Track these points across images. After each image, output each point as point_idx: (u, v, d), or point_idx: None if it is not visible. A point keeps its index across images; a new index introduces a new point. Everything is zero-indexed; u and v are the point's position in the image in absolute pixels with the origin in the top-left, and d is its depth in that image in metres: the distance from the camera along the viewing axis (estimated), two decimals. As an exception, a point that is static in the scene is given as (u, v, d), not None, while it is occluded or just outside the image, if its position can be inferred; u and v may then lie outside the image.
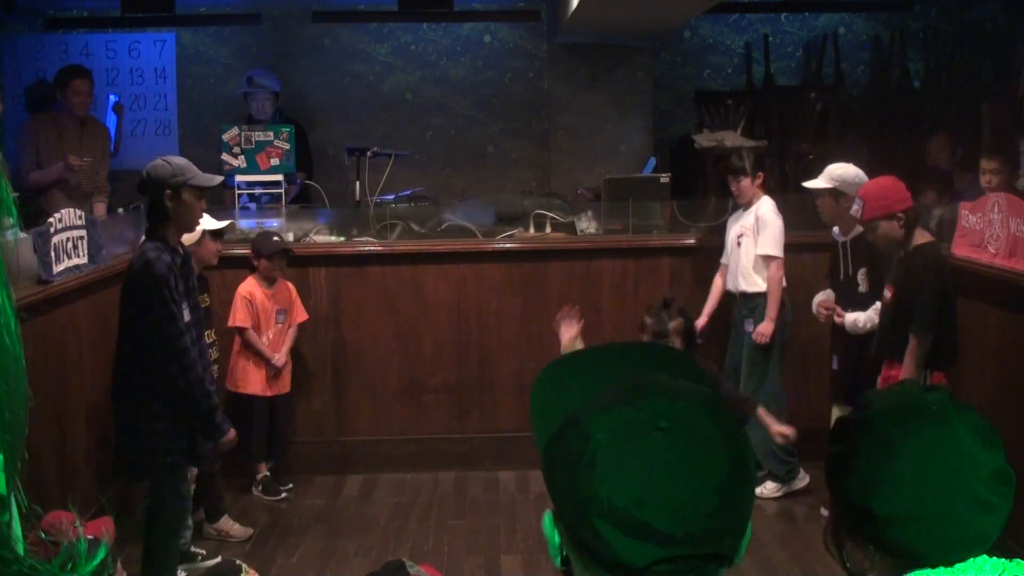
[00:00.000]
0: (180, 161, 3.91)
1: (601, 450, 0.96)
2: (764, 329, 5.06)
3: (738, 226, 5.24)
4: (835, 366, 4.92)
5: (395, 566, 3.68)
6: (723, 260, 5.41)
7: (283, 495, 5.39)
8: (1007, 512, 1.38)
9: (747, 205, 5.23)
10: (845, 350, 4.80)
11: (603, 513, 0.95)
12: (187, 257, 4.02)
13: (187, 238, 4.39)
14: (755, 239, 5.13)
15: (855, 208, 4.16)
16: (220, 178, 4.03)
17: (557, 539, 1.04)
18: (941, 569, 1.37)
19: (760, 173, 5.25)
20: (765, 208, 5.16)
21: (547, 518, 1.05)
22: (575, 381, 1.12)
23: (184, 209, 3.83)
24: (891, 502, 1.38)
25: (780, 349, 5.18)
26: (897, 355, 4.12)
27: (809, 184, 4.82)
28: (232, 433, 3.94)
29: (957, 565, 1.36)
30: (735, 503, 0.97)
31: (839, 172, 4.74)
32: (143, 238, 4.03)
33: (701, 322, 5.35)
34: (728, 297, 5.37)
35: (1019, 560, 1.36)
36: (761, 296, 5.14)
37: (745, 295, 5.18)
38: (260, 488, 5.40)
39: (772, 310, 5.07)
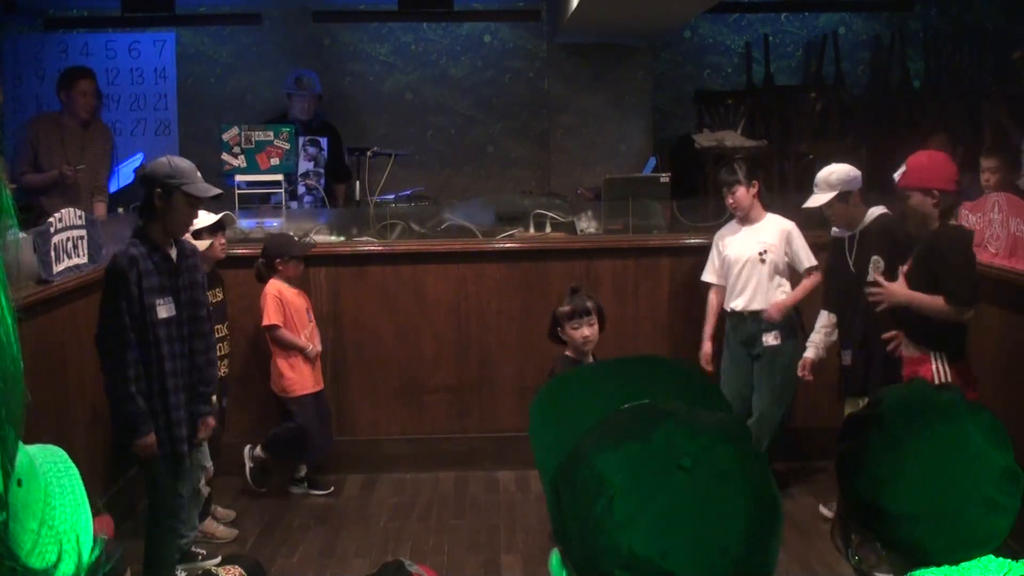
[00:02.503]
0: (183, 164, 3.83)
1: (619, 494, 0.89)
2: (781, 305, 5.05)
3: (752, 242, 5.11)
4: (846, 361, 4.79)
5: (394, 566, 3.68)
6: (715, 280, 5.28)
7: (331, 488, 5.46)
8: (1015, 512, 1.38)
9: (746, 219, 5.15)
10: (861, 344, 4.69)
11: (624, 563, 0.88)
12: (182, 255, 3.95)
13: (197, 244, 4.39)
14: (782, 253, 5.09)
15: (897, 172, 4.06)
16: (216, 191, 3.92)
17: None
18: (946, 568, 1.37)
19: (755, 181, 5.15)
20: (787, 223, 5.12)
21: (554, 558, 0.97)
22: (579, 403, 1.03)
23: (172, 212, 3.78)
24: (900, 500, 1.38)
25: (797, 358, 5.15)
26: (908, 331, 4.08)
27: (815, 203, 4.72)
28: (151, 439, 3.78)
29: (963, 564, 1.37)
30: (764, 545, 0.90)
31: (836, 177, 4.69)
32: None
33: (707, 348, 5.27)
34: (723, 317, 5.31)
35: None
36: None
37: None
38: (306, 485, 5.44)
39: (795, 297, 5.08)
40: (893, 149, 6.84)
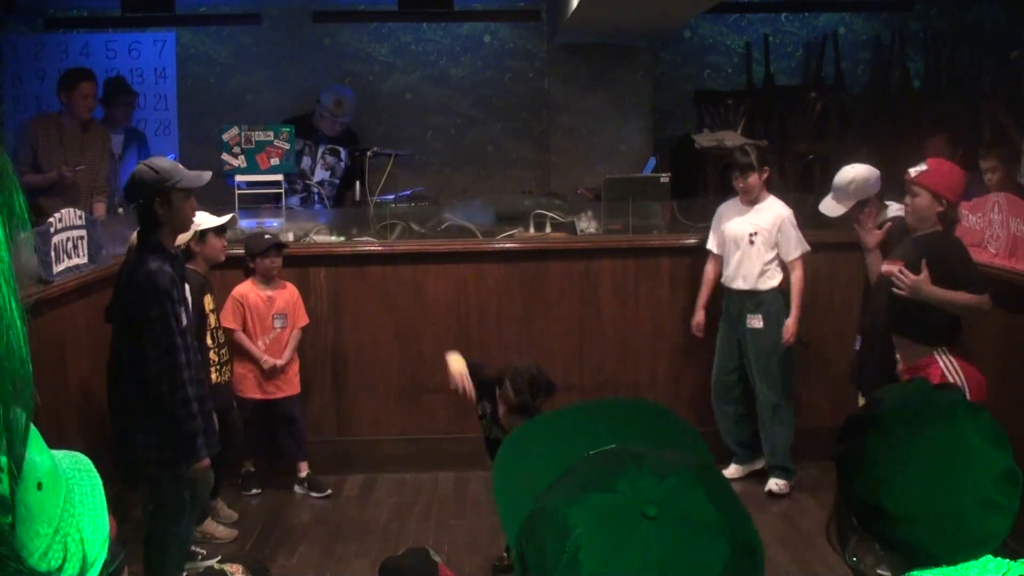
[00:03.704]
0: (165, 164, 3.86)
1: (584, 549, 0.83)
2: (792, 326, 5.11)
3: (746, 223, 5.21)
4: (857, 346, 4.76)
5: (421, 554, 3.68)
6: (713, 249, 5.40)
7: (328, 491, 5.43)
8: (1014, 513, 1.38)
9: (752, 201, 5.23)
10: (869, 332, 4.60)
11: None
12: (182, 260, 4.00)
13: (181, 237, 4.37)
14: (774, 239, 5.15)
15: (916, 168, 4.03)
16: (208, 175, 3.96)
17: None
18: (944, 568, 1.37)
19: (766, 168, 5.26)
20: (783, 209, 5.19)
21: None
22: (543, 455, 0.98)
23: (175, 212, 3.80)
24: (899, 500, 1.38)
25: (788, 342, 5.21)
26: (907, 330, 4.04)
27: (833, 212, 4.70)
28: (207, 462, 3.87)
29: (961, 564, 1.37)
30: None
31: (855, 186, 4.61)
32: (133, 239, 4.01)
33: (699, 317, 5.39)
34: (720, 291, 5.39)
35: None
36: (771, 292, 5.17)
37: (754, 292, 5.18)
38: (306, 485, 5.44)
39: (798, 308, 5.13)
40: (893, 149, 6.85)
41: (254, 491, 5.42)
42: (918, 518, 1.37)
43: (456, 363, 4.21)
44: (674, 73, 8.41)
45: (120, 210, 6.27)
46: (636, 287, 5.76)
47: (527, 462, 1.00)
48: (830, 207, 4.72)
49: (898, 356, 4.11)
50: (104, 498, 0.89)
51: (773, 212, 5.19)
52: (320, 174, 7.16)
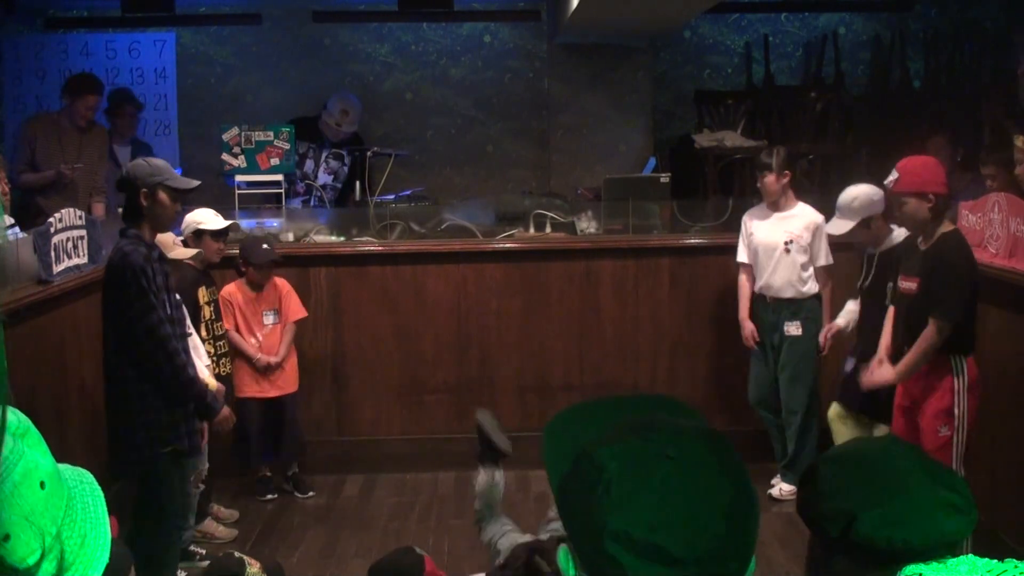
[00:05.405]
0: (159, 162, 3.94)
1: (615, 479, 1.04)
2: (827, 333, 5.11)
3: (779, 230, 5.15)
4: (848, 368, 4.75)
5: (406, 551, 3.67)
6: (744, 259, 5.32)
7: (311, 493, 5.42)
8: (973, 518, 1.49)
9: (776, 205, 5.19)
10: (863, 355, 4.56)
11: (617, 538, 1.01)
12: (162, 254, 4.01)
13: (175, 253, 4.41)
14: (809, 247, 5.12)
15: (889, 179, 4.01)
16: (196, 182, 4.00)
17: (572, 571, 1.10)
18: (935, 564, 1.39)
19: (787, 171, 5.19)
20: (817, 216, 5.14)
21: (562, 552, 1.13)
22: (585, 426, 1.19)
23: (159, 208, 3.84)
24: (866, 501, 1.48)
25: (818, 350, 5.20)
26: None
27: (838, 231, 4.68)
28: (226, 411, 4.05)
29: (949, 561, 1.39)
30: (741, 529, 1.04)
31: (859, 203, 4.59)
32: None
33: (749, 327, 5.27)
34: (751, 301, 5.34)
35: (1012, 560, 1.38)
36: (810, 299, 5.15)
37: (793, 300, 5.15)
38: (292, 483, 5.44)
39: (829, 314, 5.16)
40: (893, 149, 6.84)
41: (269, 496, 5.40)
42: (887, 512, 1.45)
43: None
44: (674, 73, 8.41)
45: (120, 209, 6.27)
46: (636, 287, 5.77)
47: (572, 429, 1.20)
48: (836, 226, 4.70)
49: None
50: (105, 509, 0.90)
51: (807, 218, 5.15)
52: (323, 178, 7.16)
